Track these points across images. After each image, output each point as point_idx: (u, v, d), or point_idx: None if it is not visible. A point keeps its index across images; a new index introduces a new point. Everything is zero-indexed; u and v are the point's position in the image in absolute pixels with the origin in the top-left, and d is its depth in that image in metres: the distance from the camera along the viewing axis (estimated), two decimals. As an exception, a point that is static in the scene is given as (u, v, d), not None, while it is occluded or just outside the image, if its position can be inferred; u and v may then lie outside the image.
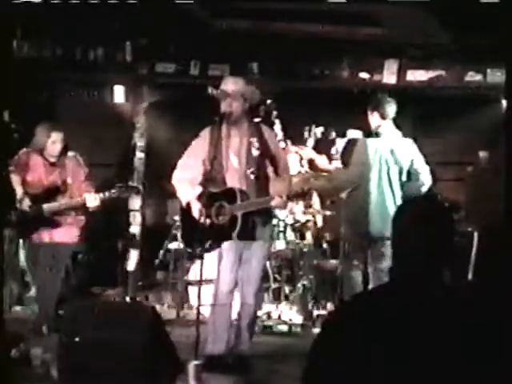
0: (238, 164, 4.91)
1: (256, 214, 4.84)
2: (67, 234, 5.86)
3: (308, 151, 6.48)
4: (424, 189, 5.72)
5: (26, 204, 5.70)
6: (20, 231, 5.86)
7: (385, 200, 5.70)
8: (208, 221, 4.75)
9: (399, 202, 5.63)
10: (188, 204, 4.94)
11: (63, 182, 5.81)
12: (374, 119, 5.81)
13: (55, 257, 5.79)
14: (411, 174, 5.74)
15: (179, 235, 5.14)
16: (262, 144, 4.93)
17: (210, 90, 4.96)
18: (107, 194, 5.68)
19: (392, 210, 5.60)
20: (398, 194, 5.71)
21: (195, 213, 4.86)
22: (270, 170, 4.96)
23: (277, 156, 5.01)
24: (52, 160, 5.85)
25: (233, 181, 4.89)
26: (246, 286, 4.96)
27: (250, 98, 4.98)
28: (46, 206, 5.72)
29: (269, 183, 4.95)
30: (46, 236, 5.80)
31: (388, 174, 5.72)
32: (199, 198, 4.91)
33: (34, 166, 5.85)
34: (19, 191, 5.75)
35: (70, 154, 5.91)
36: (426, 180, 5.73)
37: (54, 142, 5.79)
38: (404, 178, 5.73)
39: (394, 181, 5.72)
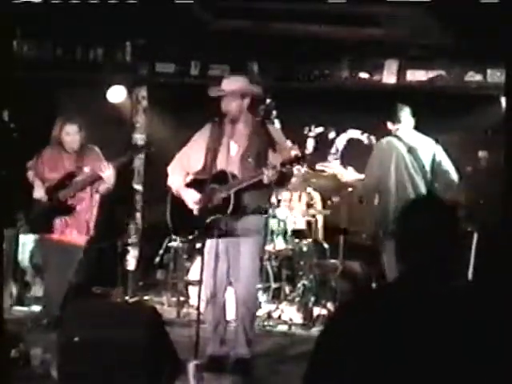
0: (237, 152, 4.89)
1: (249, 195, 4.79)
2: (80, 235, 5.90)
3: (334, 167, 6.47)
4: (453, 186, 5.77)
5: (42, 194, 5.82)
6: (35, 225, 5.92)
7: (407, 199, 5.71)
8: (199, 206, 4.74)
9: None
10: (178, 192, 4.96)
11: (79, 168, 5.88)
12: (390, 126, 5.94)
13: (66, 257, 5.84)
14: (437, 173, 5.79)
15: (169, 225, 5.09)
16: (266, 136, 4.91)
17: (210, 89, 4.96)
18: (120, 159, 5.80)
19: None
20: (423, 193, 5.72)
21: (186, 200, 4.87)
22: (269, 152, 4.89)
23: (279, 144, 4.93)
24: (70, 150, 5.96)
25: (226, 167, 4.85)
26: (238, 286, 4.92)
27: (251, 94, 4.97)
28: (61, 192, 5.83)
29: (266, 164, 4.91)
30: (58, 234, 5.86)
31: (409, 174, 5.76)
32: (190, 184, 4.91)
33: (53, 157, 5.97)
34: (38, 184, 5.86)
35: (90, 146, 6.02)
36: (453, 178, 5.78)
37: (68, 133, 5.90)
38: (429, 177, 5.77)
39: (417, 180, 5.75)
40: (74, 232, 5.91)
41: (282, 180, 4.82)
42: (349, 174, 6.18)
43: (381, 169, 5.85)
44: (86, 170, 5.89)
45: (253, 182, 4.73)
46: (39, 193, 5.89)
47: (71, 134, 5.90)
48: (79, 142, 5.97)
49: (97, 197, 6.00)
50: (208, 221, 4.74)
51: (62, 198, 5.84)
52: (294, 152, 4.68)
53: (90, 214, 6.00)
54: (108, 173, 5.70)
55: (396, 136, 5.89)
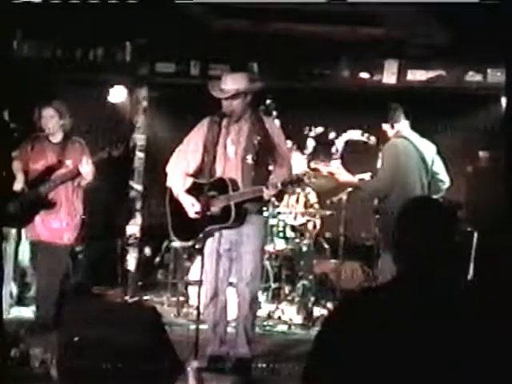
0: (235, 153, 4.85)
1: (250, 202, 4.79)
2: (64, 234, 5.84)
3: (334, 168, 6.43)
4: (443, 189, 5.72)
5: (23, 187, 5.73)
6: (18, 220, 5.86)
7: None
8: (199, 212, 4.74)
9: None
10: (177, 196, 4.94)
11: (59, 161, 5.80)
12: (387, 128, 5.79)
13: (53, 257, 5.78)
14: (433, 174, 5.73)
15: (170, 228, 5.08)
16: (263, 133, 4.87)
17: (210, 87, 4.93)
18: (99, 155, 5.66)
19: None
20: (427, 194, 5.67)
21: (186, 205, 4.86)
22: (270, 160, 4.89)
23: (278, 146, 4.93)
24: (54, 140, 5.88)
25: (225, 171, 4.83)
26: (240, 286, 4.91)
27: (252, 90, 4.94)
28: (41, 187, 5.74)
29: (267, 172, 4.90)
30: (43, 234, 5.79)
31: (420, 175, 5.70)
32: (189, 190, 4.90)
33: (37, 148, 5.88)
34: (19, 177, 5.78)
35: (74, 137, 5.93)
36: (445, 179, 5.73)
37: (43, 117, 5.82)
38: (429, 177, 5.72)
39: (425, 183, 5.70)
40: (59, 234, 5.82)
41: (281, 195, 4.89)
42: (346, 176, 6.13)
43: (396, 171, 5.66)
44: (68, 162, 5.78)
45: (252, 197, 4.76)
46: (19, 186, 5.76)
47: (46, 117, 5.80)
48: (60, 129, 5.85)
49: (80, 191, 5.90)
50: (208, 229, 4.75)
51: (42, 193, 5.74)
52: (295, 172, 4.78)
53: (74, 209, 5.89)
54: (87, 168, 5.60)
55: (404, 137, 5.76)
